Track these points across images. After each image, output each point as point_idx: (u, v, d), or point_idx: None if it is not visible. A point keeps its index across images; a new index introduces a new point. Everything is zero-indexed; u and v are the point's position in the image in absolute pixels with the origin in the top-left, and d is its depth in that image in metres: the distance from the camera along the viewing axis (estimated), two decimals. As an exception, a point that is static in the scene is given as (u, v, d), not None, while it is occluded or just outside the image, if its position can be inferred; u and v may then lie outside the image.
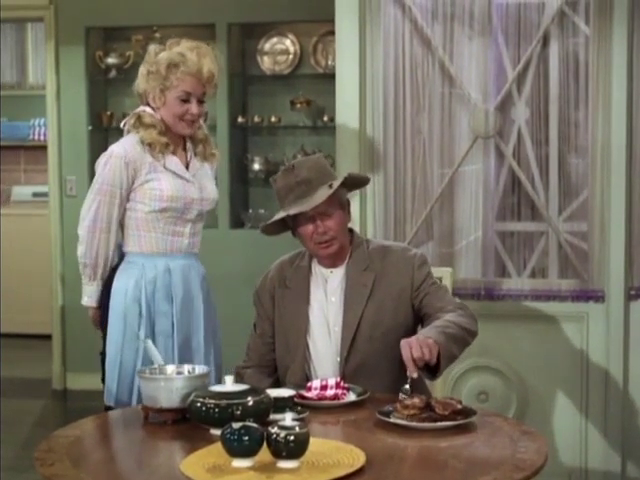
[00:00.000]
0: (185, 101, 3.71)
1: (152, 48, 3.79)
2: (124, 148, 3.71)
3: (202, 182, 3.84)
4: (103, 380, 3.82)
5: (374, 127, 4.63)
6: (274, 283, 3.57)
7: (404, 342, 3.15)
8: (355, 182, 3.62)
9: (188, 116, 3.73)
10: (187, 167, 3.81)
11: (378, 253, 3.52)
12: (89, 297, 3.81)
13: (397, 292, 3.46)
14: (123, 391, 3.72)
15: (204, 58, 3.71)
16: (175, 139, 3.79)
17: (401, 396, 3.08)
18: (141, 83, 3.78)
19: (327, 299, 3.50)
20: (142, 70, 3.78)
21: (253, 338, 3.62)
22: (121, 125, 3.86)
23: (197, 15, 6.78)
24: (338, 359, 3.44)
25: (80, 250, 3.77)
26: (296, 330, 3.49)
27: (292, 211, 3.42)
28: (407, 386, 3.09)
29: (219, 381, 3.54)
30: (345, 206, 3.51)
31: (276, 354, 3.56)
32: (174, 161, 3.77)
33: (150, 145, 3.71)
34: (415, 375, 3.11)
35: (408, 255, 3.52)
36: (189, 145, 3.85)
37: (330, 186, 3.42)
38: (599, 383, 4.55)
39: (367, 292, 3.45)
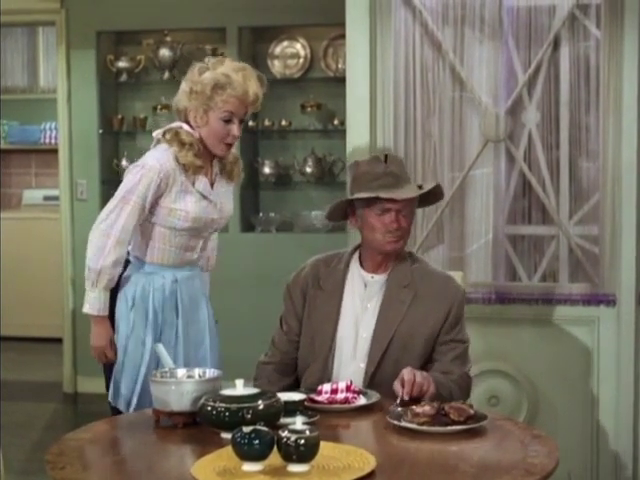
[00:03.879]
0: (227, 121, 3.69)
1: (196, 66, 3.74)
2: (159, 162, 3.66)
3: (222, 201, 3.83)
4: (107, 387, 3.83)
5: (385, 131, 4.62)
6: (308, 281, 3.54)
7: (409, 368, 3.22)
8: (430, 196, 3.57)
9: (229, 138, 3.71)
10: (212, 185, 3.80)
11: (421, 273, 3.50)
12: (90, 305, 3.71)
13: (432, 322, 3.45)
14: (125, 394, 3.74)
15: (249, 80, 3.69)
16: (206, 159, 3.77)
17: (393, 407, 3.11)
18: (182, 100, 3.73)
19: (362, 305, 3.49)
20: (184, 87, 3.73)
21: (279, 334, 3.61)
22: (153, 134, 3.81)
23: (208, 19, 6.79)
24: (362, 365, 3.44)
25: (88, 253, 3.69)
26: (324, 332, 3.48)
27: (383, 195, 3.37)
28: (398, 408, 3.10)
29: None
30: (414, 216, 3.53)
31: (299, 353, 3.55)
32: (203, 182, 3.75)
33: (184, 165, 3.68)
34: (407, 398, 3.13)
35: (452, 285, 3.52)
36: (215, 162, 3.83)
37: (420, 187, 3.45)
38: (610, 387, 4.54)
39: (404, 309, 3.44)
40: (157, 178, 3.64)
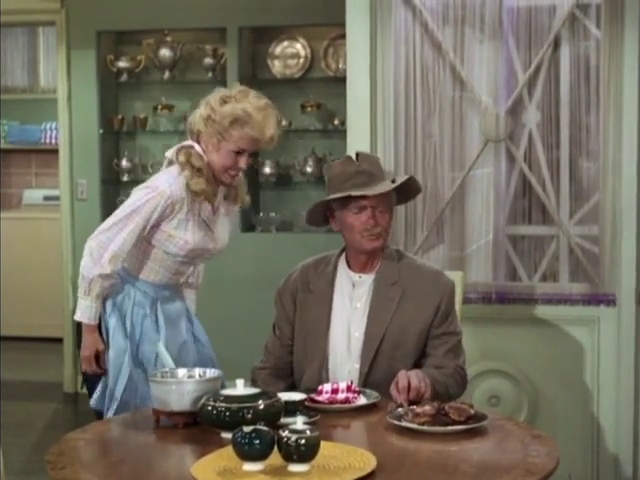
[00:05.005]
0: (238, 153, 3.69)
1: (219, 94, 3.70)
2: (170, 189, 3.64)
3: (220, 230, 3.83)
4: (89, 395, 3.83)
5: (385, 131, 4.62)
6: (297, 285, 3.55)
7: (403, 372, 3.20)
8: (406, 191, 3.57)
9: (234, 170, 3.71)
10: (214, 212, 3.79)
11: (408, 270, 3.50)
12: (82, 313, 3.71)
13: (423, 317, 3.44)
14: (106, 401, 3.72)
15: (269, 121, 3.67)
16: (214, 185, 3.76)
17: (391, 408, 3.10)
18: (198, 124, 3.69)
19: (352, 305, 3.49)
20: (202, 112, 3.69)
21: (272, 339, 3.62)
22: (166, 154, 3.78)
23: (208, 19, 6.78)
24: (356, 365, 3.44)
25: (84, 260, 3.68)
26: (316, 334, 3.48)
27: (354, 193, 3.38)
28: (398, 409, 3.10)
29: None
30: (393, 212, 3.51)
31: (293, 357, 3.56)
32: (208, 209, 3.75)
33: (196, 192, 3.67)
34: (405, 405, 3.11)
35: (440, 279, 3.51)
36: (221, 188, 3.81)
37: (393, 181, 3.43)
38: (610, 387, 4.54)
39: (393, 307, 3.44)
40: (164, 204, 3.63)
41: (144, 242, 3.72)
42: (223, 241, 3.86)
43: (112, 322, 3.71)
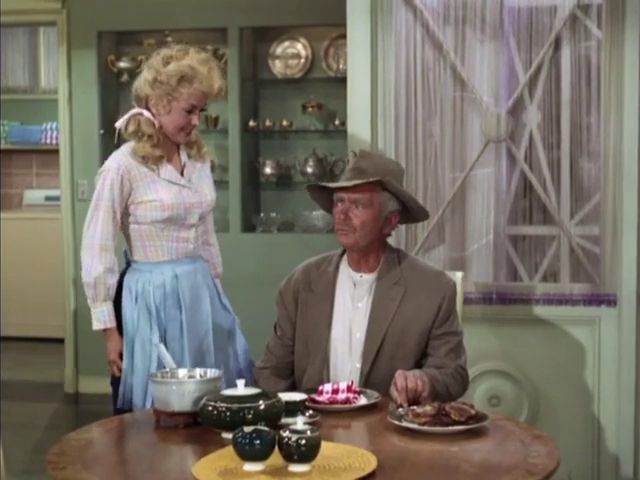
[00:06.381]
0: (189, 112, 3.72)
1: (160, 55, 3.75)
2: (117, 162, 3.72)
3: (198, 185, 3.84)
4: (111, 383, 3.82)
5: (385, 131, 4.62)
6: (299, 285, 3.55)
7: (400, 372, 3.19)
8: (410, 212, 3.56)
9: (189, 127, 3.75)
10: (182, 172, 3.81)
11: (410, 269, 3.50)
12: (97, 320, 3.74)
13: (424, 317, 3.44)
14: (137, 396, 3.72)
15: (215, 73, 3.73)
16: (169, 146, 3.79)
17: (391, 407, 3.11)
18: (144, 88, 3.76)
19: (353, 304, 3.49)
20: (147, 76, 3.75)
21: (273, 339, 3.62)
22: (116, 124, 3.81)
23: (209, 19, 6.78)
24: (357, 365, 3.45)
25: (83, 269, 3.74)
26: (317, 334, 3.48)
27: (322, 184, 3.47)
28: (398, 409, 3.10)
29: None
30: (381, 213, 3.44)
31: (294, 357, 3.56)
32: (169, 169, 3.77)
33: (143, 157, 3.71)
34: (405, 405, 3.11)
35: (442, 279, 3.51)
36: (183, 148, 3.85)
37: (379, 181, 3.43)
38: (611, 387, 4.54)
39: (394, 307, 3.44)
40: (117, 177, 3.69)
41: (133, 226, 3.75)
42: (207, 193, 3.87)
43: (135, 314, 3.72)
